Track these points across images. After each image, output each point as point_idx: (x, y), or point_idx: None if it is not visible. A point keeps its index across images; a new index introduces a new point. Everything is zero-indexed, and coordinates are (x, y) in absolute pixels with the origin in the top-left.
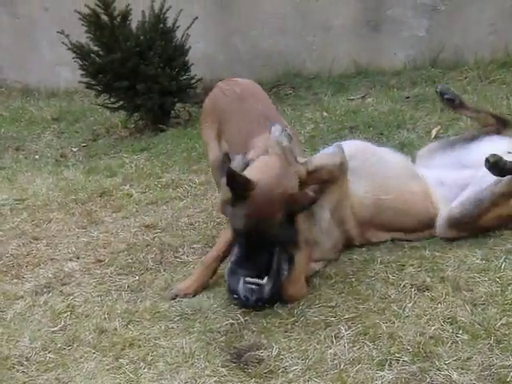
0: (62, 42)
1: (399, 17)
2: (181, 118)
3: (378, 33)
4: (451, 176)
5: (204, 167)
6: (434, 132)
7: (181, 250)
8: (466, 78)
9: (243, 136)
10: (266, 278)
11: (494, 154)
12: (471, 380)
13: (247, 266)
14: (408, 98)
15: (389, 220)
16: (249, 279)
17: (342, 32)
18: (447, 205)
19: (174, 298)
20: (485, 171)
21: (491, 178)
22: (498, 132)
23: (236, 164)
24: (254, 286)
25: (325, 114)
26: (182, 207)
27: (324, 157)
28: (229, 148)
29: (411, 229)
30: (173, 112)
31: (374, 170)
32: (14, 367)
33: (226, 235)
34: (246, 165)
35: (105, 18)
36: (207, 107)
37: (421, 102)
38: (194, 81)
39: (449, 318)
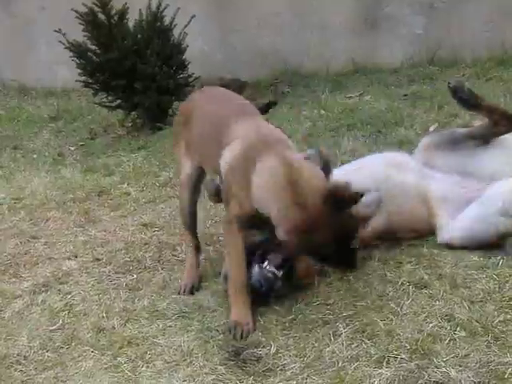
0: (59, 41)
1: (396, 14)
2: None
3: (375, 30)
4: (455, 191)
5: None
6: (431, 129)
7: (178, 248)
8: (463, 75)
9: (216, 131)
10: (281, 272)
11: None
12: (469, 377)
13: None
14: (406, 95)
15: (393, 233)
16: (267, 266)
17: (340, 30)
18: (449, 216)
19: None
20: (491, 190)
21: (497, 201)
22: (508, 131)
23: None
24: (270, 275)
25: (322, 111)
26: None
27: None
28: (200, 153)
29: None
30: (170, 110)
31: (394, 200)
32: (12, 366)
33: (232, 260)
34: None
35: (102, 16)
36: (176, 119)
37: (418, 100)
38: (191, 79)
39: (446, 316)
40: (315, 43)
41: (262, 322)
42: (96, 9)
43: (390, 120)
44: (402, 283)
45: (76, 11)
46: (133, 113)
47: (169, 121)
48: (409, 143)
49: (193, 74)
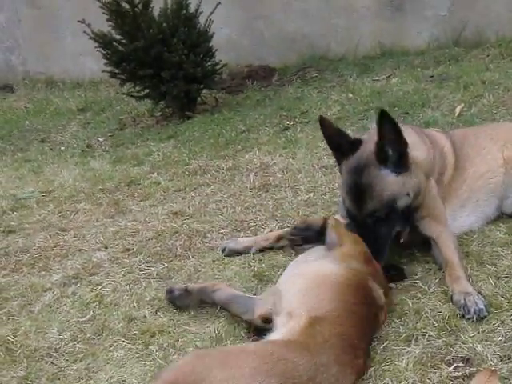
0: (84, 32)
1: None
2: (207, 105)
3: (401, 13)
4: None
5: (231, 153)
6: (457, 110)
7: (209, 235)
8: (488, 55)
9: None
10: None
11: None
12: (495, 351)
13: None
14: (432, 76)
15: None
16: None
17: (366, 13)
18: None
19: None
20: None
21: None
22: None
23: None
24: None
25: (350, 95)
26: (209, 193)
27: None
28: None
29: None
30: (199, 99)
31: None
32: (42, 359)
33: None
34: None
35: (126, 5)
36: None
37: (444, 81)
38: (219, 66)
39: None
40: (342, 27)
41: None
42: None
43: (416, 101)
44: (429, 262)
45: (99, 0)
46: (161, 102)
47: (198, 109)
48: (435, 124)
49: (220, 61)
